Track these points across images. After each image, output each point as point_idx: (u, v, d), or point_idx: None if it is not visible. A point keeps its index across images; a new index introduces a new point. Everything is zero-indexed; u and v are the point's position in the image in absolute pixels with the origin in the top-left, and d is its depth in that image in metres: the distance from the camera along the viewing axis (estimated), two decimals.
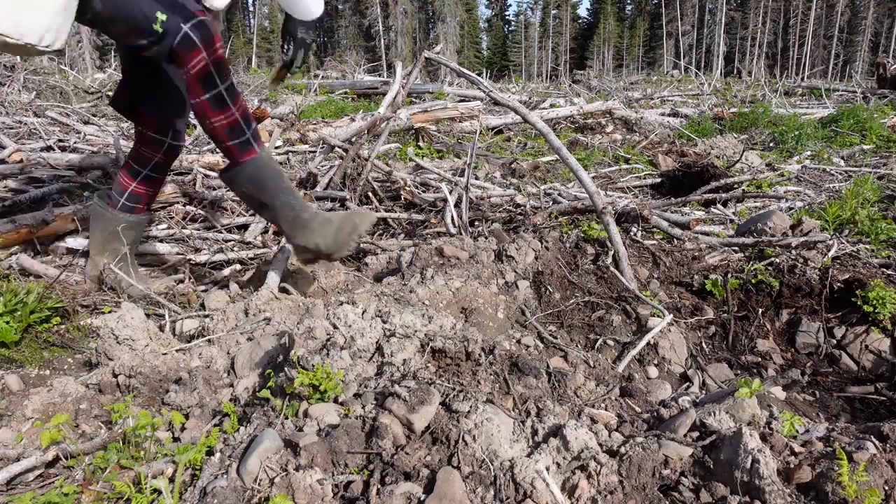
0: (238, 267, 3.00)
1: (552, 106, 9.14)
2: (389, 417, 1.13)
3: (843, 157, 5.89)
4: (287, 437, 1.11)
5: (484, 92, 6.39)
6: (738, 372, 2.15)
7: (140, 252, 3.02)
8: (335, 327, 1.53)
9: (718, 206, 3.98)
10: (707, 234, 3.19)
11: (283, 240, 3.02)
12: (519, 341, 1.93)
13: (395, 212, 3.79)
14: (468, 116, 7.44)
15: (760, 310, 2.39)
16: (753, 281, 2.44)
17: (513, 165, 5.15)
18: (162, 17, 1.67)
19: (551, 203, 3.75)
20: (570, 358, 1.67)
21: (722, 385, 1.99)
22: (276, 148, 6.00)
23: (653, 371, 2.01)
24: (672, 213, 3.74)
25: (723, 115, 8.32)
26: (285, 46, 2.09)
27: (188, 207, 3.61)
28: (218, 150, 2.05)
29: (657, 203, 3.99)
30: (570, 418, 1.19)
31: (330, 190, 3.89)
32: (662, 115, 8.78)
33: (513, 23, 75.17)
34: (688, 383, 2.02)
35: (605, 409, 1.28)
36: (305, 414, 1.21)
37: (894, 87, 11.54)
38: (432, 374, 1.39)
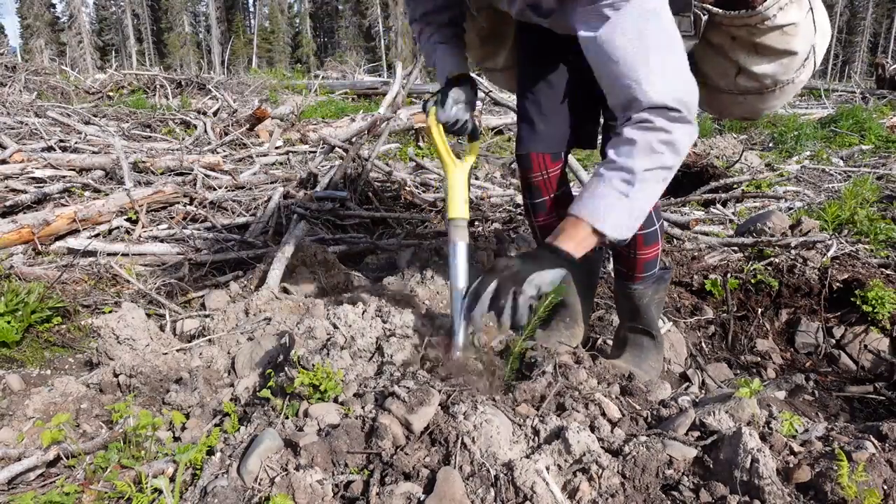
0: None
1: None
2: (389, 418, 1.13)
3: (842, 158, 5.89)
4: (287, 436, 1.11)
5: (484, 92, 6.36)
6: (738, 372, 2.15)
7: (140, 252, 3.02)
8: (335, 327, 1.53)
9: (718, 206, 3.99)
10: (706, 234, 3.20)
11: (283, 240, 3.01)
12: None
13: (396, 212, 3.80)
14: None
15: (760, 310, 2.39)
16: (753, 281, 2.44)
17: (513, 165, 5.16)
18: None
19: None
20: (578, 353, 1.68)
21: (721, 385, 2.00)
22: (277, 148, 6.00)
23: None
24: (671, 212, 3.74)
25: None
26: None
27: (188, 207, 3.61)
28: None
29: (657, 203, 3.99)
30: (574, 411, 1.20)
31: (330, 190, 3.89)
32: None
33: None
34: (687, 383, 2.02)
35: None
36: (306, 414, 1.21)
37: (893, 87, 11.55)
38: (433, 374, 1.39)
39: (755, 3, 1.53)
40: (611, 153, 1.34)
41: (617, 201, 1.31)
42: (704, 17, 1.57)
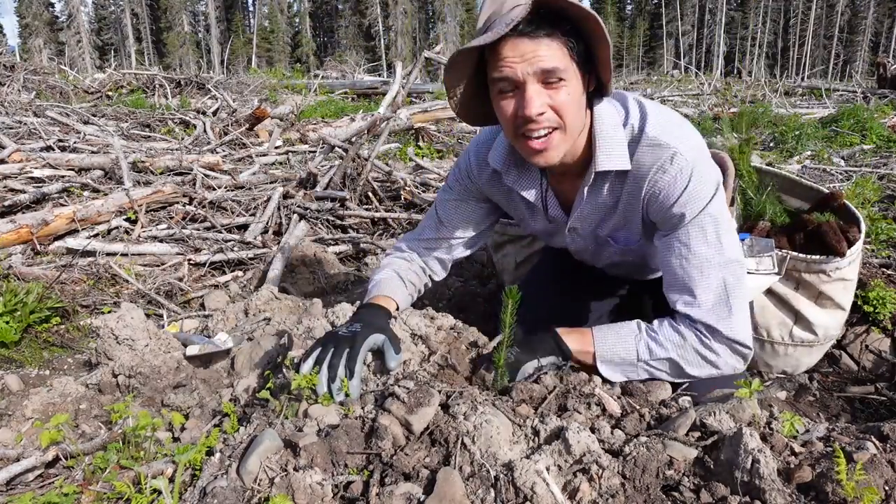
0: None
1: None
2: (389, 418, 1.13)
3: (843, 157, 5.88)
4: (287, 437, 1.11)
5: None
6: None
7: (139, 252, 3.02)
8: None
9: None
10: None
11: (283, 240, 3.02)
12: None
13: (395, 212, 3.79)
14: None
15: None
16: None
17: None
18: None
19: None
20: None
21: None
22: (276, 147, 6.00)
23: None
24: None
25: (719, 115, 8.32)
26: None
27: (187, 207, 3.61)
28: None
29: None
30: (575, 411, 1.19)
31: (330, 190, 3.89)
32: None
33: None
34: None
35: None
36: (305, 414, 1.21)
37: (894, 86, 11.55)
38: (432, 374, 1.39)
39: (843, 251, 1.70)
40: (661, 326, 1.39)
41: (630, 361, 1.39)
42: (788, 256, 1.72)
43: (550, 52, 1.22)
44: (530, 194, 1.51)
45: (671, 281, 1.38)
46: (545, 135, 1.27)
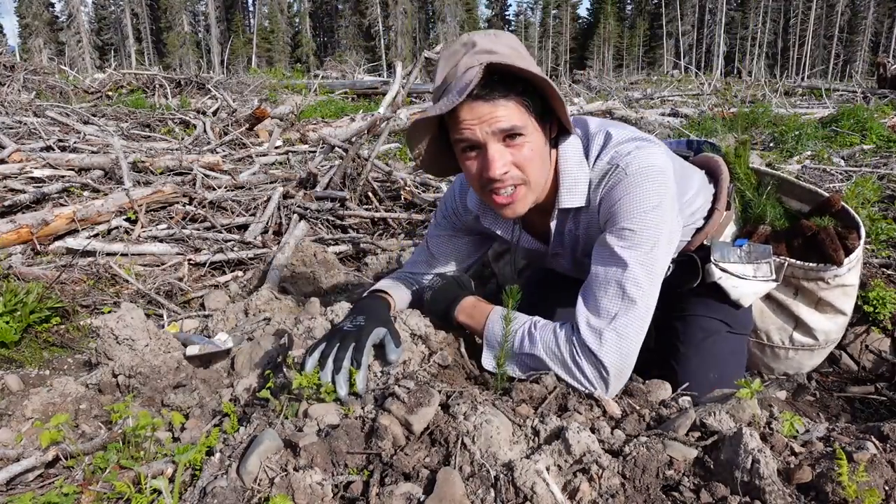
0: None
1: None
2: (389, 418, 1.13)
3: (843, 157, 5.88)
4: (287, 437, 1.11)
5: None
6: None
7: (139, 252, 3.02)
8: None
9: None
10: None
11: (283, 239, 3.01)
12: None
13: (395, 212, 3.79)
14: None
15: None
16: None
17: None
18: None
19: None
20: None
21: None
22: (277, 147, 6.00)
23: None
24: None
25: (723, 115, 8.32)
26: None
27: (187, 207, 3.61)
28: None
29: None
30: (575, 412, 1.19)
31: (330, 190, 3.89)
32: (662, 114, 8.78)
33: (513, 23, 75.29)
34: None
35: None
36: (305, 414, 1.21)
37: (894, 86, 11.55)
38: (432, 374, 1.39)
39: (840, 260, 1.69)
40: (545, 326, 1.38)
41: (514, 349, 1.38)
42: (786, 263, 1.71)
43: (507, 113, 1.24)
44: (506, 233, 1.60)
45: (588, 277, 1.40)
46: (511, 192, 1.32)
